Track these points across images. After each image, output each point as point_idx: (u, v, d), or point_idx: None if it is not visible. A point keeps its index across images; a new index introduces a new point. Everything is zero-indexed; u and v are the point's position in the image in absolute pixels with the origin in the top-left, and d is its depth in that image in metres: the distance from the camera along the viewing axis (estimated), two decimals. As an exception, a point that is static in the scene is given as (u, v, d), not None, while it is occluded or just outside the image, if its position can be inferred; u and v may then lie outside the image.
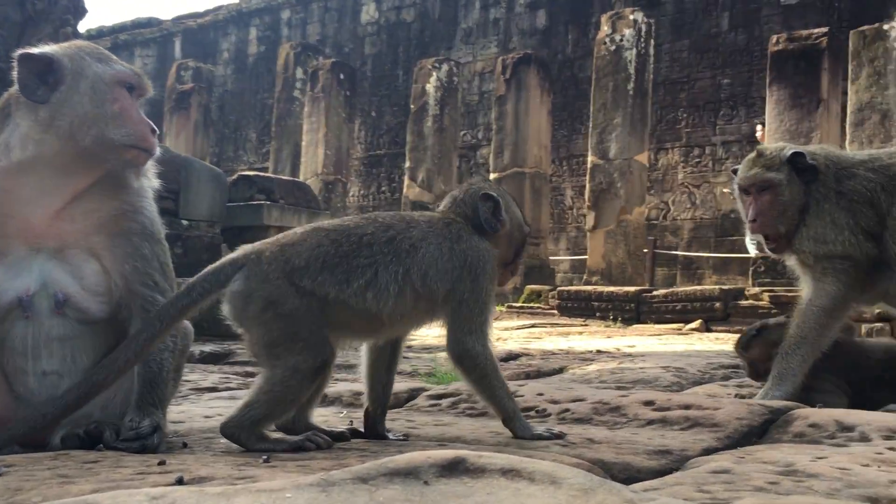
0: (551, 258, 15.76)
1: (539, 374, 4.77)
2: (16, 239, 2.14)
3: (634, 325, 10.28)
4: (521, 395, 2.91)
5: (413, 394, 3.22)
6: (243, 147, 23.63)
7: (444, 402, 3.06)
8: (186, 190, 8.48)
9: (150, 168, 2.30)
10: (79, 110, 2.11)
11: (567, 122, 17.86)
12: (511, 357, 5.49)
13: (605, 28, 13.53)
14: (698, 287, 11.22)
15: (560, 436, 2.33)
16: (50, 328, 2.14)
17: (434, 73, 15.87)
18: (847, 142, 11.06)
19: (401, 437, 2.39)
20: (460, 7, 20.21)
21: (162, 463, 1.79)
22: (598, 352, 6.21)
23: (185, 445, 2.18)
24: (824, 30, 11.55)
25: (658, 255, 14.83)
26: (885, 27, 10.93)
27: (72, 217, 2.16)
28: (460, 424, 2.62)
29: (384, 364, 2.47)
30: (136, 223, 2.21)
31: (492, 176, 14.44)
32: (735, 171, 3.65)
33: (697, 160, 16.41)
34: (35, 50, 2.15)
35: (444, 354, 5.34)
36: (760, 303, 9.93)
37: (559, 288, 12.63)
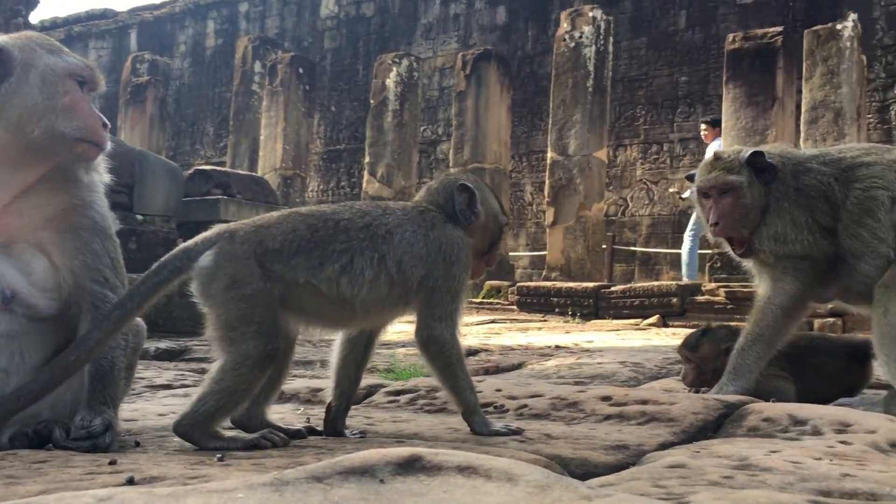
0: (511, 254, 15.80)
1: (498, 370, 4.78)
2: (-39, 234, 2.09)
3: (593, 321, 10.34)
4: (480, 391, 2.90)
5: (371, 390, 3.21)
6: (200, 141, 23.37)
7: (403, 398, 3.05)
8: (141, 184, 8.36)
9: (101, 162, 2.26)
10: (28, 102, 2.06)
11: (527, 119, 17.91)
12: (470, 353, 5.49)
13: (565, 25, 13.59)
14: (656, 283, 11.32)
15: (518, 432, 2.34)
16: (-3, 325, 2.09)
17: (394, 69, 15.82)
18: (801, 139, 11.22)
19: (358, 435, 2.38)
20: (420, 2, 20.17)
21: (113, 463, 1.76)
22: (557, 347, 6.23)
23: (137, 444, 2.14)
24: (779, 29, 11.70)
25: (616, 251, 14.93)
26: (839, 27, 11.11)
27: (20, 211, 2.11)
28: (418, 421, 2.61)
29: (356, 360, 2.46)
30: (86, 218, 2.17)
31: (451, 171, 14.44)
32: (690, 178, 3.64)
33: (655, 157, 16.56)
34: (-18, 40, 2.10)
35: (402, 350, 5.32)
36: (716, 298, 10.05)
37: (519, 284, 12.67)
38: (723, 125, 11.51)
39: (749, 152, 3.39)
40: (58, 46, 2.20)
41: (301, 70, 17.10)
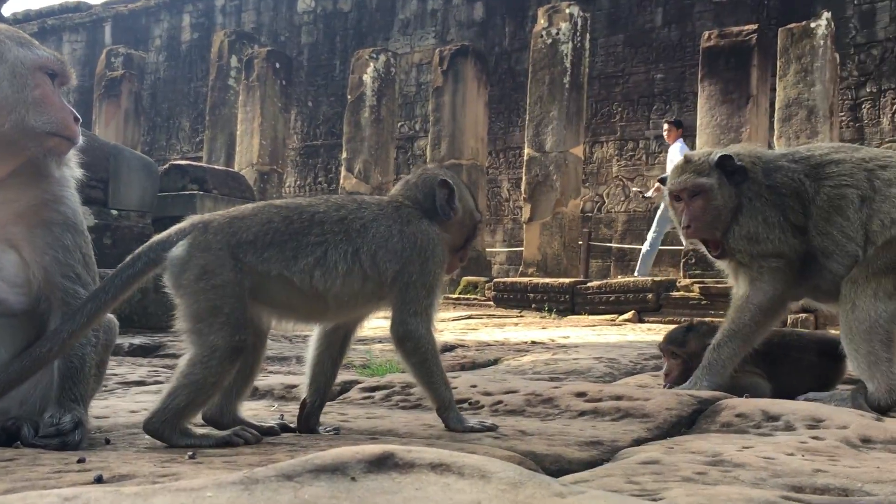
0: (488, 250, 15.81)
1: (474, 366, 4.78)
2: (-71, 229, 2.06)
3: (569, 317, 10.38)
4: (456, 388, 2.90)
5: (346, 386, 3.19)
6: (176, 136, 23.19)
7: (378, 394, 3.04)
8: (116, 179, 8.28)
9: (73, 157, 2.23)
10: (-3, 95, 2.03)
11: (504, 115, 17.92)
12: (447, 349, 5.49)
13: (542, 21, 13.60)
14: (631, 279, 11.36)
15: (493, 428, 2.34)
16: (-34, 320, 2.06)
17: (371, 64, 15.76)
18: (775, 137, 11.31)
19: (332, 431, 2.36)
20: (398, -3, 20.13)
21: (82, 461, 1.74)
22: (533, 343, 6.25)
23: (107, 442, 2.12)
24: (754, 27, 11.78)
25: (593, 247, 14.99)
26: (812, 25, 11.19)
27: (-11, 206, 2.08)
28: (393, 417, 2.60)
29: (331, 356, 2.45)
30: (57, 213, 2.14)
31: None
32: (663, 181, 3.69)
33: (631, 154, 16.62)
34: (-51, 31, 2.07)
35: (379, 346, 5.31)
36: (691, 294, 10.11)
37: (495, 279, 12.69)
38: (698, 122, 11.58)
39: (718, 155, 3.41)
40: (28, 39, 2.16)
41: (278, 65, 17.00)
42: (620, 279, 11.71)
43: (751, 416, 2.55)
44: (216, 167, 12.55)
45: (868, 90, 14.41)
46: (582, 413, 2.67)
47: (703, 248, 3.55)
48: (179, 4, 23.54)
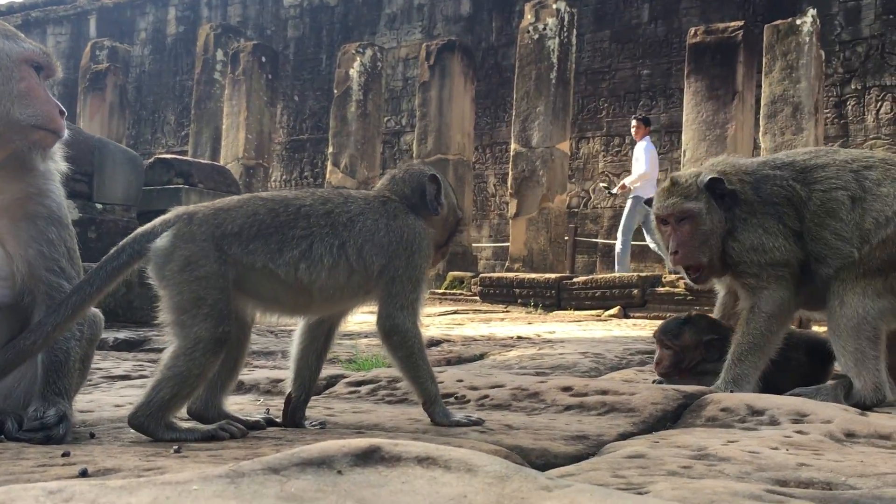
0: (474, 245, 15.82)
1: (460, 361, 4.78)
2: (-88, 222, 2.04)
3: (555, 312, 10.40)
4: (442, 382, 2.90)
5: (332, 380, 3.19)
6: (161, 130, 23.07)
7: (364, 388, 3.04)
8: (101, 173, 8.23)
9: (58, 151, 2.22)
10: (-19, 88, 2.02)
11: (490, 110, 17.92)
12: (433, 343, 5.49)
13: (529, 17, 13.60)
14: (617, 274, 11.37)
15: (479, 422, 2.34)
16: (-51, 313, 2.05)
17: (358, 58, 15.72)
18: (760, 133, 11.35)
19: (318, 426, 2.36)
20: (384, -8, 20.08)
21: (66, 455, 1.73)
22: (519, 338, 6.25)
23: (92, 436, 2.11)
24: (740, 23, 11.82)
25: (578, 243, 15.00)
26: (798, 22, 11.24)
27: (-27, 200, 2.07)
28: (379, 412, 2.60)
29: (316, 350, 2.45)
30: (42, 207, 2.13)
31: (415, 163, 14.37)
32: (649, 203, 3.57)
33: (618, 149, 16.66)
34: (-68, 23, 2.05)
35: (365, 341, 5.31)
36: (676, 290, 10.14)
37: (481, 275, 12.69)
38: (683, 118, 11.61)
39: (708, 177, 3.31)
40: (13, 31, 2.15)
41: (264, 59, 16.94)
42: (606, 275, 11.73)
43: (736, 410, 2.56)
44: (202, 161, 12.50)
45: (853, 87, 14.49)
46: (568, 407, 2.67)
47: (684, 274, 3.46)
48: (165, -3, 23.41)
